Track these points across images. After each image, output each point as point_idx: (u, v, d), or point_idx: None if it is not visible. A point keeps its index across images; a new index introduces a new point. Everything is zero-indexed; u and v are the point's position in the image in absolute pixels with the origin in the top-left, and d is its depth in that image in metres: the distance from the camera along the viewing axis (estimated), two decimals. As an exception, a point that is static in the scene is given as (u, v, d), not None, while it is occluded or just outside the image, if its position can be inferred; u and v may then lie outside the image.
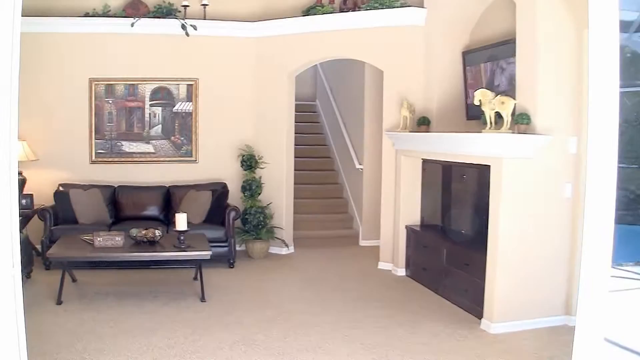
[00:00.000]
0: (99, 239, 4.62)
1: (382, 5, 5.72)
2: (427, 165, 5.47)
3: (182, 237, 4.60)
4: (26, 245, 5.13)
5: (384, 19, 5.77)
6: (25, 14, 5.60)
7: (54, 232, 5.52)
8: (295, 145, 6.83)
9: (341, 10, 6.12)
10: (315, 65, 9.92)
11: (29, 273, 5.27)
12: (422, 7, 5.63)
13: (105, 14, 6.32)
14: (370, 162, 7.02)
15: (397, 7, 5.67)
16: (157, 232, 4.80)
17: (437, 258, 4.96)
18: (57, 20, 6.25)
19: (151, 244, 4.73)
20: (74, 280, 5.13)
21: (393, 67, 5.80)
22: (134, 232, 4.79)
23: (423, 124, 5.42)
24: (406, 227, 5.58)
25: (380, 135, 6.16)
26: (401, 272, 5.64)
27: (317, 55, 6.53)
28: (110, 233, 4.79)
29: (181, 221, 4.63)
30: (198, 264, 4.96)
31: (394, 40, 5.77)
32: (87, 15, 6.28)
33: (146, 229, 4.80)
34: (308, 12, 6.24)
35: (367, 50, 6.00)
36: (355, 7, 6.04)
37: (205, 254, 4.62)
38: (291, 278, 5.58)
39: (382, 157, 6.03)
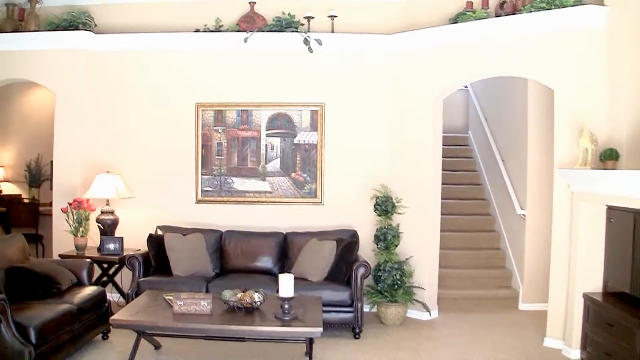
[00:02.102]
0: (179, 302, 4.98)
1: (551, 5, 6.11)
2: (614, 213, 5.59)
3: (286, 306, 4.89)
4: (100, 302, 6.18)
5: (552, 22, 6.17)
6: (127, 29, 7.70)
7: (141, 284, 6.47)
8: (442, 184, 7.69)
9: (497, 16, 6.80)
10: (467, 89, 11.14)
11: (106, 334, 6.29)
12: (602, 4, 5.95)
13: (218, 29, 7.84)
14: (536, 207, 7.75)
15: (570, 5, 6.03)
16: (257, 297, 5.12)
17: (627, 342, 4.90)
18: (163, 36, 7.82)
19: (248, 312, 5.06)
20: (156, 347, 5.78)
21: (566, 84, 6.14)
22: (226, 295, 5.17)
23: (609, 158, 5.67)
24: (584, 295, 5.75)
25: (549, 173, 6.71)
26: (575, 354, 5.83)
27: (468, 72, 7.31)
28: (195, 296, 5.14)
29: (286, 285, 4.91)
30: (309, 339, 5.27)
31: (566, 49, 6.15)
32: (197, 31, 7.83)
33: (244, 291, 5.18)
34: (456, 19, 7.08)
35: (530, 63, 6.44)
36: (514, 11, 6.65)
37: (314, 331, 4.82)
38: (433, 355, 5.93)
39: (551, 201, 6.43)
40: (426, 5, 7.58)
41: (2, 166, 11.12)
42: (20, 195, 10.93)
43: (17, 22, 8.16)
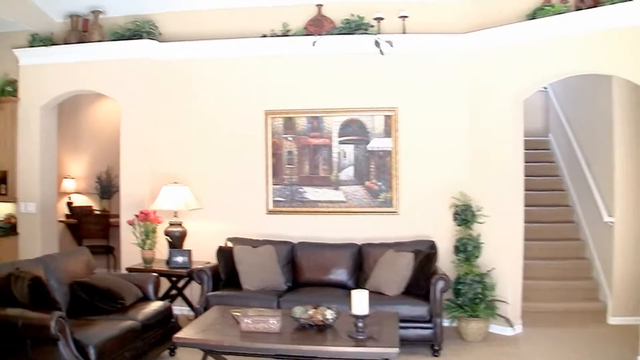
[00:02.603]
0: (246, 320, 4.88)
1: None
2: None
3: (360, 324, 4.74)
4: (166, 317, 6.23)
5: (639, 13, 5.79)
6: (192, 37, 7.78)
7: (210, 299, 6.49)
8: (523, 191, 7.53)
9: (577, 9, 6.60)
10: (546, 90, 10.92)
11: (173, 350, 6.35)
12: None
13: (285, 34, 7.84)
14: (625, 213, 7.56)
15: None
16: (329, 314, 4.98)
17: None
18: (229, 43, 7.91)
19: (319, 330, 4.93)
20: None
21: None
22: (297, 312, 5.03)
23: None
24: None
25: (639, 176, 6.60)
26: (675, 376, 5.50)
27: (548, 71, 7.13)
28: (264, 313, 5.04)
29: (360, 302, 4.76)
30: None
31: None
32: (264, 36, 7.87)
33: (315, 308, 5.03)
34: (534, 15, 6.93)
35: (616, 59, 6.21)
36: (596, 4, 6.42)
37: (390, 352, 4.64)
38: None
39: None
40: (501, 1, 7.46)
41: (73, 178, 11.42)
42: (91, 206, 11.18)
43: (81, 33, 8.36)
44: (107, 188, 10.98)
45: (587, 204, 9.07)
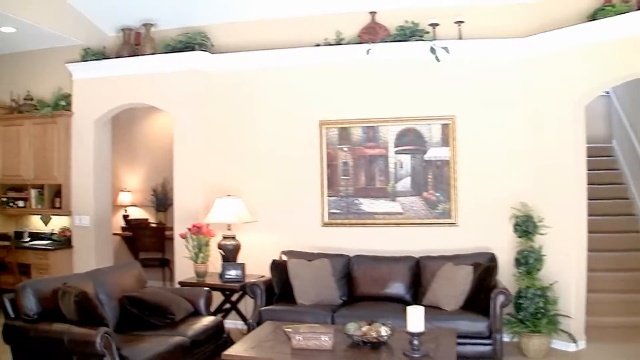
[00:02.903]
0: (297, 337, 4.80)
1: None
2: None
3: (416, 342, 4.63)
4: (218, 333, 6.16)
5: None
6: (245, 48, 7.77)
7: (263, 314, 6.43)
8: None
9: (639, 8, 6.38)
10: (608, 95, 10.58)
11: None
12: None
13: (338, 42, 7.78)
14: None
15: None
16: (384, 331, 4.88)
17: None
18: (281, 53, 7.88)
19: (373, 347, 4.85)
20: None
21: None
22: (350, 328, 4.96)
23: None
24: None
25: None
26: None
27: (611, 74, 6.86)
28: (316, 330, 4.95)
29: (416, 319, 4.63)
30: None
31: None
32: (317, 46, 7.82)
33: (369, 324, 4.95)
34: (594, 16, 6.74)
35: None
36: None
37: None
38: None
39: None
40: (559, 3, 7.27)
41: (129, 191, 11.59)
42: (147, 219, 11.30)
43: (134, 46, 8.45)
44: (162, 200, 11.06)
45: (655, 213, 8.59)
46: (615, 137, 10.94)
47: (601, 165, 10.24)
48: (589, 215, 7.47)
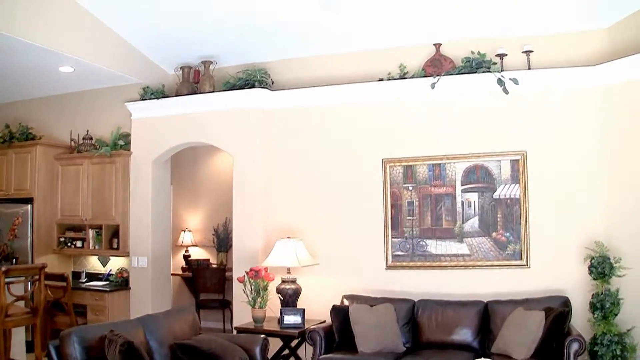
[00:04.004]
0: None
1: None
2: None
3: None
4: None
5: None
6: (305, 84, 7.82)
7: None
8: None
9: None
10: None
11: None
12: None
13: (402, 76, 7.71)
14: None
15: None
16: None
17: None
18: (343, 88, 7.85)
19: None
20: None
21: None
22: None
23: None
24: None
25: None
26: None
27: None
28: None
29: None
30: None
31: None
32: (380, 80, 7.75)
33: None
34: (671, 39, 6.38)
35: None
36: None
37: None
38: None
39: None
40: (632, 29, 7.06)
41: (190, 231, 11.68)
42: (208, 260, 11.32)
43: (193, 84, 8.53)
44: (224, 241, 11.10)
45: None
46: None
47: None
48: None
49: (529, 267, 7.37)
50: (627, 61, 6.88)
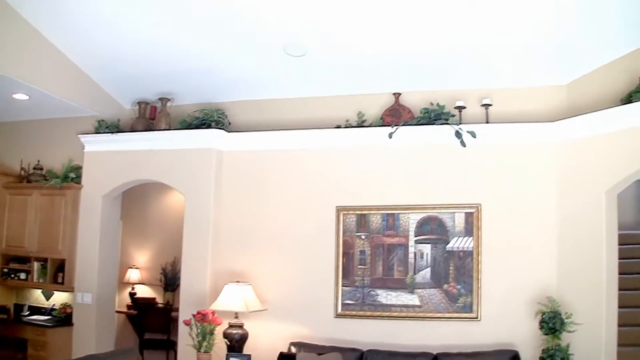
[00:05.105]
0: None
1: None
2: None
3: None
4: None
5: None
6: (262, 127, 7.57)
7: None
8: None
9: None
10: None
11: None
12: None
13: (360, 124, 7.61)
14: None
15: None
16: None
17: None
18: (300, 134, 7.72)
19: None
20: None
21: None
22: None
23: None
24: None
25: None
26: None
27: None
28: None
29: None
30: None
31: None
32: (337, 127, 7.63)
33: None
34: (629, 98, 6.46)
35: None
36: None
37: None
38: None
39: None
40: (592, 86, 7.08)
41: (138, 268, 11.33)
42: (154, 298, 10.97)
43: (149, 120, 8.31)
44: (171, 280, 10.76)
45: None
46: (646, 223, 10.48)
47: (631, 254, 9.76)
48: (620, 307, 7.12)
49: (480, 320, 7.25)
50: (583, 119, 6.89)
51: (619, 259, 7.20)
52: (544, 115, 7.35)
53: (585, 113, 6.88)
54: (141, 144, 8.22)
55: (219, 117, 7.92)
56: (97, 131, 8.49)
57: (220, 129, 7.92)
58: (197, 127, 7.95)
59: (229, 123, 8.10)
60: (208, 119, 7.91)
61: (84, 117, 8.68)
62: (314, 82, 7.83)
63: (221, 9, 6.50)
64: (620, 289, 7.14)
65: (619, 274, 7.13)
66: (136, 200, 10.47)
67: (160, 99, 8.25)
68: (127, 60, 7.73)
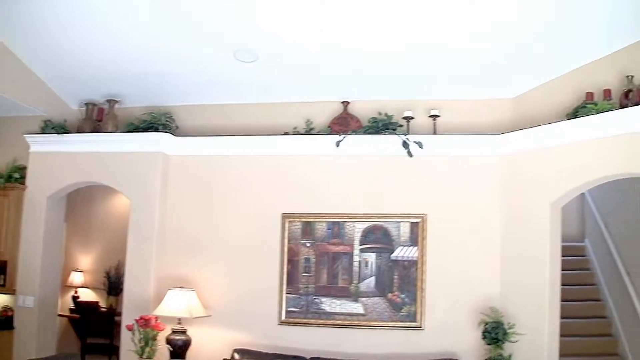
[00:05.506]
0: None
1: None
2: None
3: None
4: None
5: None
6: (210, 132, 7.44)
7: None
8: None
9: (622, 106, 6.19)
10: (583, 192, 10.59)
11: None
12: None
13: (308, 132, 7.56)
14: None
15: None
16: None
17: None
18: (248, 140, 7.63)
19: None
20: None
21: None
22: None
23: None
24: None
25: None
26: None
27: (591, 174, 6.53)
28: None
29: None
30: None
31: None
32: (285, 134, 7.57)
33: None
34: (575, 113, 6.52)
35: None
36: None
37: None
38: None
39: None
40: (538, 100, 7.16)
41: (82, 271, 11.14)
42: (97, 302, 10.79)
43: (96, 122, 8.15)
44: (115, 284, 10.62)
45: (627, 316, 8.62)
46: (588, 235, 10.77)
47: (573, 266, 10.04)
48: (561, 317, 7.21)
49: (423, 330, 7.26)
50: (529, 132, 6.95)
51: (562, 270, 7.28)
52: (491, 127, 7.39)
53: (532, 127, 6.95)
54: (88, 146, 8.04)
55: (167, 120, 7.79)
56: (43, 131, 8.25)
57: (167, 132, 7.79)
58: (145, 130, 7.80)
59: (177, 127, 7.98)
60: (156, 122, 7.76)
61: (29, 116, 8.43)
62: (263, 88, 7.76)
63: (171, 12, 6.40)
64: (562, 300, 7.23)
65: (562, 285, 7.21)
66: (81, 203, 10.30)
67: (108, 101, 8.09)
68: (75, 60, 7.55)
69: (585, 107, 6.49)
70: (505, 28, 6.33)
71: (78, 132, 8.21)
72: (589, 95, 6.59)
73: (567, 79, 6.98)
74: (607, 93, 6.46)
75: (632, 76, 6.22)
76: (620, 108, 6.22)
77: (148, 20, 6.63)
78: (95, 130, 8.15)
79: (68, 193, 8.68)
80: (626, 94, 6.26)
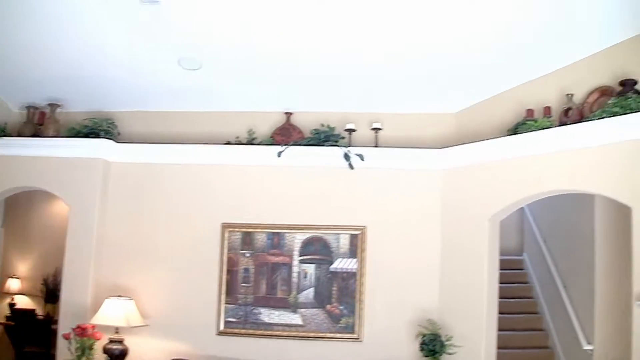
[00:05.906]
0: None
1: (625, 110, 5.39)
2: None
3: None
4: None
5: (626, 129, 5.56)
6: (152, 139, 7.31)
7: None
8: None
9: (562, 124, 6.30)
10: (521, 206, 10.76)
11: None
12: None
13: (250, 142, 7.53)
14: (607, 342, 7.03)
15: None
16: None
17: None
18: (189, 148, 7.56)
19: None
20: None
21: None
22: None
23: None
24: None
25: (626, 304, 6.07)
26: None
27: (531, 189, 6.60)
28: None
29: None
30: None
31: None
32: (228, 143, 7.53)
33: None
34: (516, 130, 6.62)
35: (602, 177, 5.69)
36: (581, 119, 6.09)
37: None
38: None
39: (630, 336, 5.68)
40: (480, 116, 7.25)
41: (18, 278, 10.88)
42: (34, 310, 10.55)
43: (37, 126, 7.95)
44: (53, 292, 10.38)
45: (564, 329, 8.72)
46: (527, 249, 10.93)
47: (511, 279, 10.21)
48: (499, 330, 7.27)
49: (362, 341, 7.26)
50: (470, 147, 7.02)
51: (501, 283, 7.35)
52: (433, 141, 7.45)
53: (473, 142, 7.02)
54: (27, 150, 7.85)
55: (108, 126, 7.66)
56: (-18, 134, 8.02)
57: (108, 139, 7.66)
58: (86, 136, 7.66)
59: (119, 133, 7.85)
60: (97, 128, 7.63)
61: (-32, 118, 8.19)
62: (207, 96, 7.70)
63: (114, 17, 6.27)
64: (500, 313, 7.31)
65: (500, 298, 7.28)
66: (20, 207, 10.07)
67: (50, 105, 7.90)
68: (17, 62, 7.33)
69: (525, 123, 6.58)
70: (447, 44, 6.38)
71: (18, 135, 8.00)
72: (530, 112, 6.69)
73: (508, 96, 7.08)
74: (547, 110, 6.56)
75: (572, 94, 6.35)
76: (560, 125, 6.34)
77: (92, 24, 6.48)
78: (36, 134, 7.96)
79: (6, 197, 8.51)
80: (566, 111, 6.37)
